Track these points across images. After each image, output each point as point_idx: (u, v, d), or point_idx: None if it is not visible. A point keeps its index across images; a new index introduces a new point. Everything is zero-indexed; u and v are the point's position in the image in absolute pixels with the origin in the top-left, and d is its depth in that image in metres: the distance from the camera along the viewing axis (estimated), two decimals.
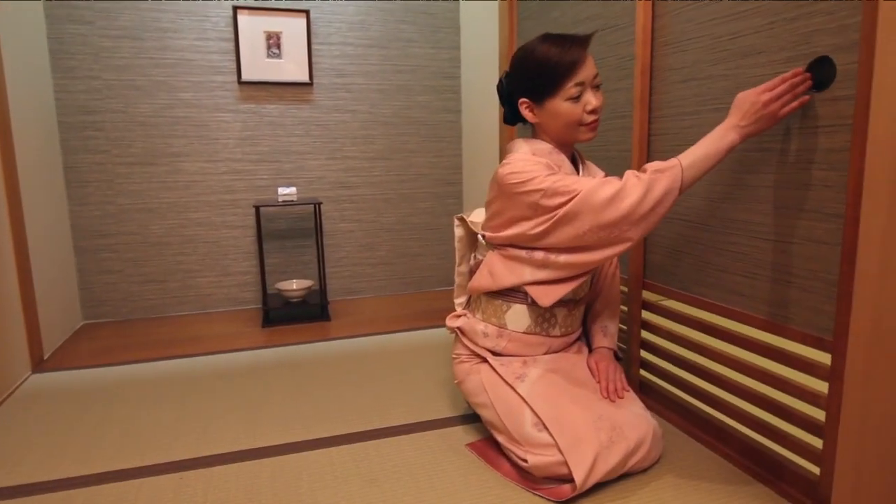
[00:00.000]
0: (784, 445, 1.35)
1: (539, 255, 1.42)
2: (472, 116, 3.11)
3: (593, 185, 1.31)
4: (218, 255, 2.97)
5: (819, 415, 1.24)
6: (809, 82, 1.18)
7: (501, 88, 1.54)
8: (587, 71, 1.38)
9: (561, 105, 1.40)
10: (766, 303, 1.37)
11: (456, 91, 3.22)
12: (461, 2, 3.12)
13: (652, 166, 1.30)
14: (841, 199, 1.16)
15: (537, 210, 1.37)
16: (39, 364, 2.27)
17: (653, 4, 1.64)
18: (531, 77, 1.41)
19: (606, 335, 1.66)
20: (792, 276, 1.30)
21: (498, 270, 1.50)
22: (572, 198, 1.32)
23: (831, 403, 1.19)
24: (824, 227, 1.21)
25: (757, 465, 1.42)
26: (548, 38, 1.41)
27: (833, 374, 1.18)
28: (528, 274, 1.45)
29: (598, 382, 1.52)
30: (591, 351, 1.65)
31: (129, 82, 2.72)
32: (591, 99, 1.40)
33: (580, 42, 1.38)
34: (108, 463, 1.52)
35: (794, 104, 1.20)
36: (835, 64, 1.16)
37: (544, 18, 2.20)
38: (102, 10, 2.64)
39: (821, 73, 1.18)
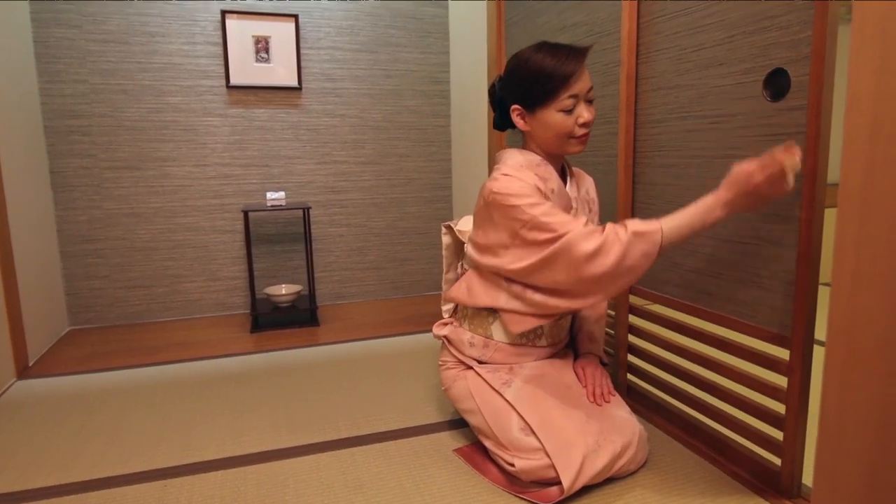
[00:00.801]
0: (749, 439, 1.42)
1: (516, 287, 1.43)
2: (461, 121, 3.11)
3: (575, 236, 1.28)
4: (206, 260, 2.95)
5: (781, 408, 1.31)
6: (798, 156, 1.15)
7: (493, 93, 1.52)
8: (582, 84, 1.37)
9: (553, 116, 1.38)
10: (732, 302, 1.43)
11: (445, 96, 3.22)
12: (449, 7, 3.13)
13: (633, 225, 1.28)
14: (797, 203, 1.23)
15: (515, 239, 1.36)
16: (24, 371, 2.25)
17: (638, 11, 1.66)
18: (525, 85, 1.39)
19: (593, 341, 1.66)
20: (754, 275, 1.36)
21: (476, 289, 1.52)
22: (554, 239, 1.30)
23: (790, 396, 1.28)
24: (782, 229, 1.28)
25: (736, 464, 1.45)
26: (545, 46, 1.39)
27: (791, 369, 1.26)
28: (503, 300, 1.46)
29: (585, 387, 1.52)
30: (577, 356, 1.65)
31: (117, 86, 2.71)
32: (584, 112, 1.39)
33: (577, 54, 1.36)
34: (91, 471, 1.51)
35: (783, 189, 1.17)
36: (789, 75, 1.23)
37: (531, 24, 2.21)
38: (89, 14, 2.63)
39: (776, 84, 1.26)
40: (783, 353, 1.29)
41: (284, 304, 2.83)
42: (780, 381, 1.31)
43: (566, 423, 1.35)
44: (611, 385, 1.54)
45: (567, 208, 1.49)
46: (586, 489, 1.33)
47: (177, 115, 2.80)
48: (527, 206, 1.34)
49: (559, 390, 1.47)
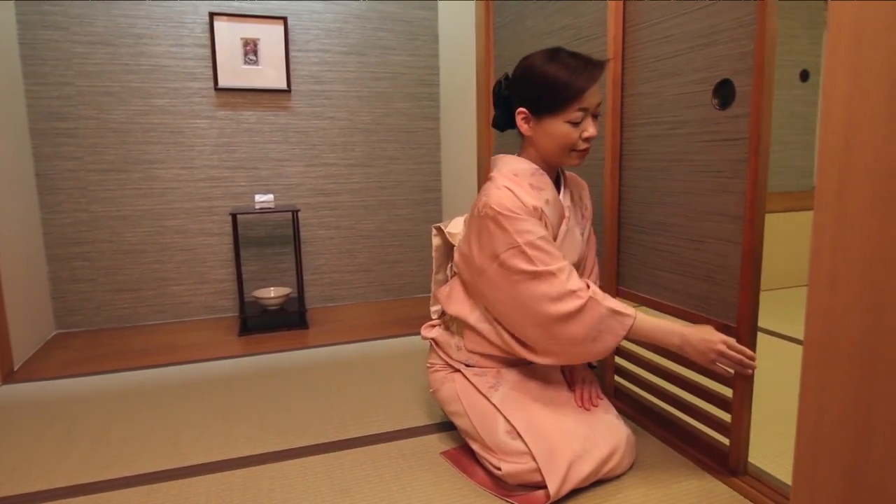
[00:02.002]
0: (703, 423, 1.52)
1: (490, 316, 1.47)
2: (450, 124, 3.12)
3: (554, 293, 1.31)
4: (194, 263, 2.94)
5: (729, 392, 1.43)
6: (751, 370, 1.32)
7: (499, 91, 1.48)
8: (593, 98, 1.35)
9: (560, 126, 1.37)
10: (689, 296, 1.53)
11: (434, 98, 3.23)
12: (439, 10, 3.14)
13: (611, 302, 1.34)
14: (742, 203, 1.33)
15: (495, 261, 1.37)
16: (9, 375, 2.23)
17: (624, 16, 1.67)
18: (536, 90, 1.37)
19: None
20: (706, 271, 1.46)
21: (455, 296, 1.55)
22: (535, 274, 1.32)
23: (737, 381, 1.39)
24: (729, 228, 1.38)
25: (691, 446, 1.57)
26: (562, 53, 1.37)
27: None
28: (474, 318, 1.49)
29: (573, 391, 1.52)
30: None
31: (103, 88, 2.69)
32: (590, 127, 1.38)
33: (595, 68, 1.34)
34: (75, 476, 1.50)
35: (723, 369, 1.35)
36: (734, 86, 1.33)
37: (520, 27, 2.22)
38: (76, 15, 2.61)
39: (724, 93, 1.36)
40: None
41: (273, 307, 2.82)
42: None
43: (553, 428, 1.35)
44: (598, 390, 1.54)
45: (560, 218, 1.48)
46: (573, 492, 1.34)
47: (164, 117, 2.79)
48: (516, 232, 1.34)
49: (546, 395, 1.47)
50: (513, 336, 1.43)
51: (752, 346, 1.36)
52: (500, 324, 1.45)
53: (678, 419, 1.62)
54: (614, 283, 1.80)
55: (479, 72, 2.59)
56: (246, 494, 1.39)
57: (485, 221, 1.38)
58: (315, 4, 2.93)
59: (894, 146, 0.68)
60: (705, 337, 1.31)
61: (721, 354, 1.30)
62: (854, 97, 0.72)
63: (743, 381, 1.37)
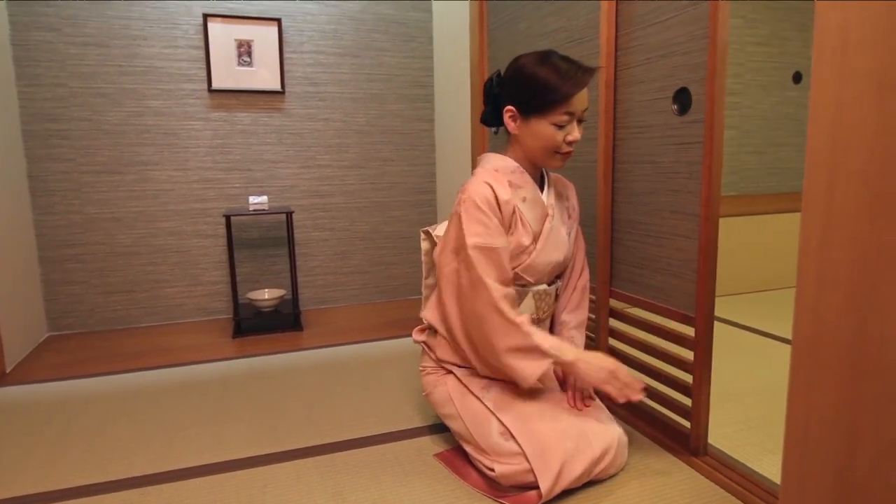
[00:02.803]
0: (666, 407, 1.62)
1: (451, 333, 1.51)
2: (445, 126, 3.12)
3: (482, 302, 1.37)
4: (188, 265, 2.93)
5: (689, 378, 1.52)
6: (639, 397, 1.38)
7: (490, 88, 1.51)
8: (580, 103, 1.39)
9: (545, 127, 1.40)
10: (652, 289, 1.65)
11: (429, 100, 3.23)
12: (433, 11, 3.14)
13: (541, 339, 1.37)
14: (698, 202, 1.45)
15: (449, 256, 1.45)
16: (1, 378, 2.21)
17: (616, 19, 1.68)
18: (526, 90, 1.40)
19: (574, 345, 1.64)
20: (668, 265, 1.58)
21: (430, 303, 1.61)
22: (470, 279, 1.39)
23: (696, 367, 1.48)
24: (687, 225, 1.50)
25: (653, 428, 1.67)
26: (554, 56, 1.40)
27: (696, 344, 1.48)
28: (440, 328, 1.55)
29: (566, 392, 1.53)
30: None
31: (96, 90, 2.68)
32: (574, 131, 1.42)
33: (585, 74, 1.38)
34: (68, 479, 1.49)
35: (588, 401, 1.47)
36: (691, 93, 1.44)
37: (513, 29, 2.23)
38: (69, 17, 2.60)
39: (682, 100, 1.47)
40: (690, 331, 1.50)
41: (267, 309, 2.81)
42: (688, 354, 1.52)
43: (545, 428, 1.36)
44: (591, 390, 1.55)
45: (542, 216, 1.50)
46: (566, 492, 1.34)
47: (158, 118, 2.78)
48: (469, 233, 1.39)
49: (539, 395, 1.47)
50: (464, 339, 1.49)
51: (710, 334, 1.46)
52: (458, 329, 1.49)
53: (644, 404, 1.71)
54: (607, 283, 1.81)
55: (473, 73, 2.60)
56: (239, 497, 1.39)
57: (456, 214, 1.44)
58: (309, 6, 2.93)
59: (881, 148, 0.69)
60: (600, 368, 1.39)
61: (612, 374, 1.38)
62: (841, 99, 0.72)
63: (702, 368, 1.47)
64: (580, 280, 1.68)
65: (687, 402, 1.54)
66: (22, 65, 2.58)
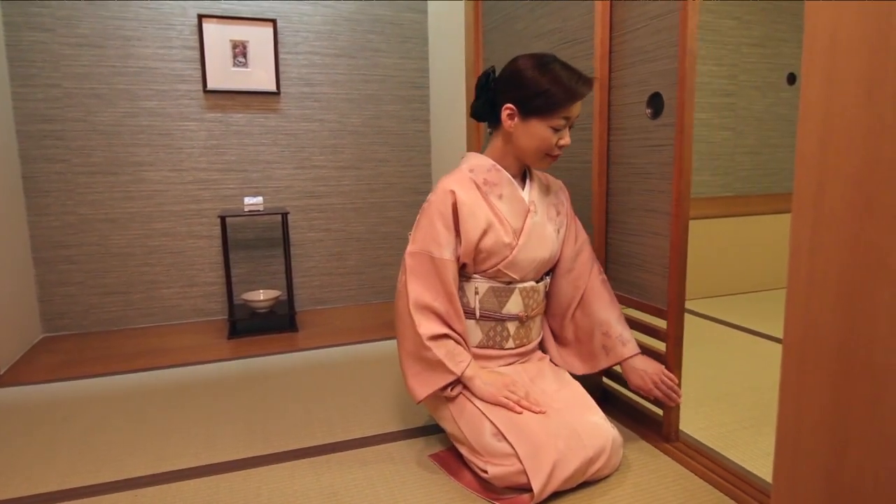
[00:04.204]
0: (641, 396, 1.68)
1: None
2: (440, 126, 3.12)
3: (402, 307, 1.47)
4: (183, 266, 2.92)
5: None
6: (537, 410, 1.42)
7: (485, 83, 1.53)
8: (576, 110, 1.46)
9: (543, 130, 1.45)
10: (629, 283, 1.73)
11: (424, 101, 3.23)
12: (429, 12, 3.14)
13: (442, 354, 1.44)
14: (670, 201, 1.52)
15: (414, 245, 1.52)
16: None
17: (611, 20, 1.68)
18: (530, 93, 1.43)
19: (626, 344, 1.56)
20: (643, 261, 1.66)
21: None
22: (402, 283, 1.49)
23: (668, 357, 1.56)
24: (661, 223, 1.57)
25: (625, 415, 1.73)
26: (557, 61, 1.46)
27: (668, 336, 1.56)
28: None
29: (652, 394, 1.54)
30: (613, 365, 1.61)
31: (91, 90, 2.68)
32: (566, 136, 1.48)
33: (587, 83, 1.44)
34: (60, 481, 1.49)
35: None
36: (663, 98, 1.52)
37: (508, 30, 2.23)
38: (63, 17, 2.60)
39: (655, 104, 1.55)
40: (663, 324, 1.58)
41: (263, 310, 2.81)
42: (661, 346, 1.59)
43: (537, 428, 1.36)
44: (666, 372, 1.53)
45: (523, 213, 1.54)
46: (560, 494, 1.34)
47: (152, 119, 2.78)
48: (414, 238, 1.50)
49: (531, 395, 1.47)
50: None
51: (681, 327, 1.55)
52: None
53: (619, 392, 1.81)
54: None
55: (468, 74, 2.60)
56: (233, 498, 1.39)
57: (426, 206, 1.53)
58: (304, 6, 2.93)
59: (871, 150, 0.69)
60: (502, 383, 1.46)
61: (506, 386, 1.44)
62: (830, 101, 0.72)
63: (674, 358, 1.55)
64: (600, 276, 1.64)
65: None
66: (16, 65, 2.57)
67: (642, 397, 1.61)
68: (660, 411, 1.63)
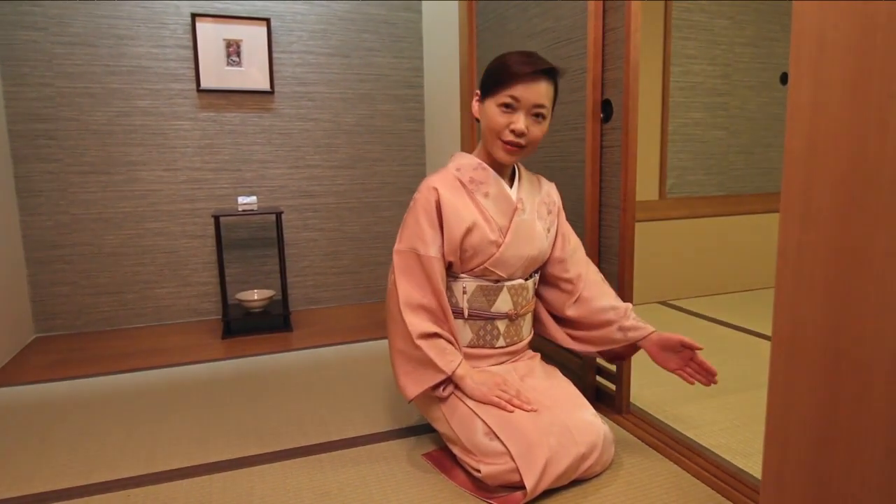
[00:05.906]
0: (599, 375, 1.88)
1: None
2: (435, 125, 3.13)
3: (392, 305, 1.49)
4: (177, 266, 2.91)
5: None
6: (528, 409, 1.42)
7: None
8: (529, 93, 1.42)
9: (492, 108, 1.47)
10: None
11: (419, 100, 3.23)
12: (423, 12, 3.14)
13: (433, 353, 1.44)
14: (619, 197, 1.69)
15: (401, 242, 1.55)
16: None
17: (603, 19, 1.69)
18: (486, 74, 1.49)
19: (638, 327, 1.52)
20: (608, 255, 1.78)
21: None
22: (392, 281, 1.51)
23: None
24: (613, 217, 1.73)
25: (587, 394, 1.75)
26: (521, 51, 1.49)
27: None
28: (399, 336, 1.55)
29: (684, 374, 1.47)
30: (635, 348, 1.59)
31: (83, 90, 2.67)
32: (520, 121, 1.44)
33: (538, 62, 1.43)
34: (54, 482, 1.48)
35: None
36: (612, 105, 1.68)
37: (502, 30, 2.23)
38: (55, 16, 2.58)
39: (606, 110, 1.71)
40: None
41: (257, 310, 2.81)
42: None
43: (529, 426, 1.36)
44: (701, 359, 1.46)
45: (510, 211, 1.54)
46: (552, 491, 1.35)
47: (146, 118, 2.77)
48: (402, 236, 1.52)
49: (523, 393, 1.48)
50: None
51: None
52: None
53: (584, 375, 1.89)
54: None
55: (462, 74, 2.60)
56: (226, 498, 1.39)
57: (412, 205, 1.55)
58: (298, 6, 2.93)
59: (858, 150, 0.70)
60: (493, 383, 1.46)
61: (500, 387, 1.44)
62: (818, 101, 0.73)
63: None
64: (596, 275, 1.63)
65: (611, 367, 1.81)
66: (7, 64, 2.56)
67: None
68: (613, 386, 1.80)
